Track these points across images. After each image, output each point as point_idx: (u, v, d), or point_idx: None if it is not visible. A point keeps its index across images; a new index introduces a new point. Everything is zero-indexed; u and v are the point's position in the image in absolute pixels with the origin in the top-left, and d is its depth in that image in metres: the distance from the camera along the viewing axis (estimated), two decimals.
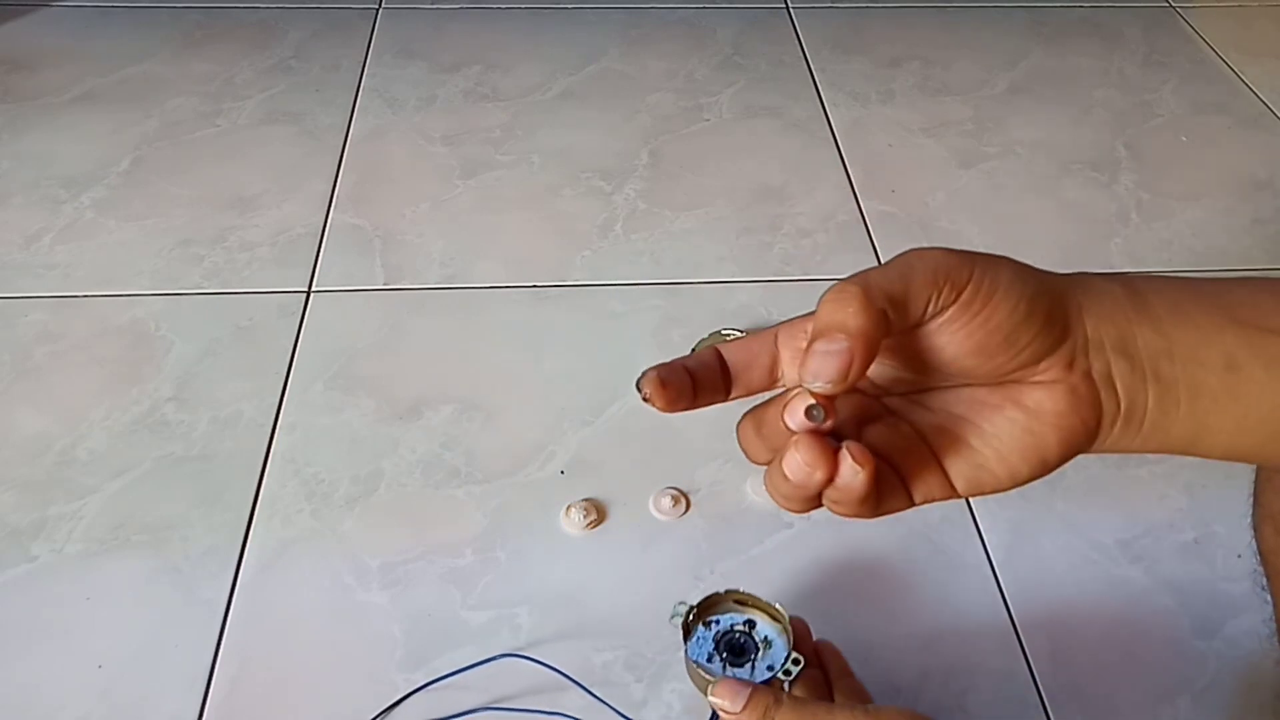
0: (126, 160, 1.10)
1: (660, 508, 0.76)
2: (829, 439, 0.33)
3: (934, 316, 0.33)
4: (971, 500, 0.78)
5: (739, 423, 0.37)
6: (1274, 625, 0.60)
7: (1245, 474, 0.61)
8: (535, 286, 0.96)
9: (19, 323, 0.91)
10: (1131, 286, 0.35)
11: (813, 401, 0.33)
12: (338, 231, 1.02)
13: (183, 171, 1.09)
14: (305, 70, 1.26)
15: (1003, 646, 0.70)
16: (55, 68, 1.24)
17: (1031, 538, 0.76)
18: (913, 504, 0.36)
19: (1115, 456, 0.81)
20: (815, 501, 0.34)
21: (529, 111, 1.20)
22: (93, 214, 1.03)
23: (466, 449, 0.81)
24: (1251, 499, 0.60)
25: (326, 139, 1.14)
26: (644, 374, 0.35)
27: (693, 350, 0.87)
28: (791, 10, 1.42)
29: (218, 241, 1.00)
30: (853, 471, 0.32)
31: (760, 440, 0.36)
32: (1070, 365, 0.34)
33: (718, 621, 0.59)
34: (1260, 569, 0.61)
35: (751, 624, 0.59)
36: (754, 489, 0.78)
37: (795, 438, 0.33)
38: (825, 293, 0.33)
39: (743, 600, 0.60)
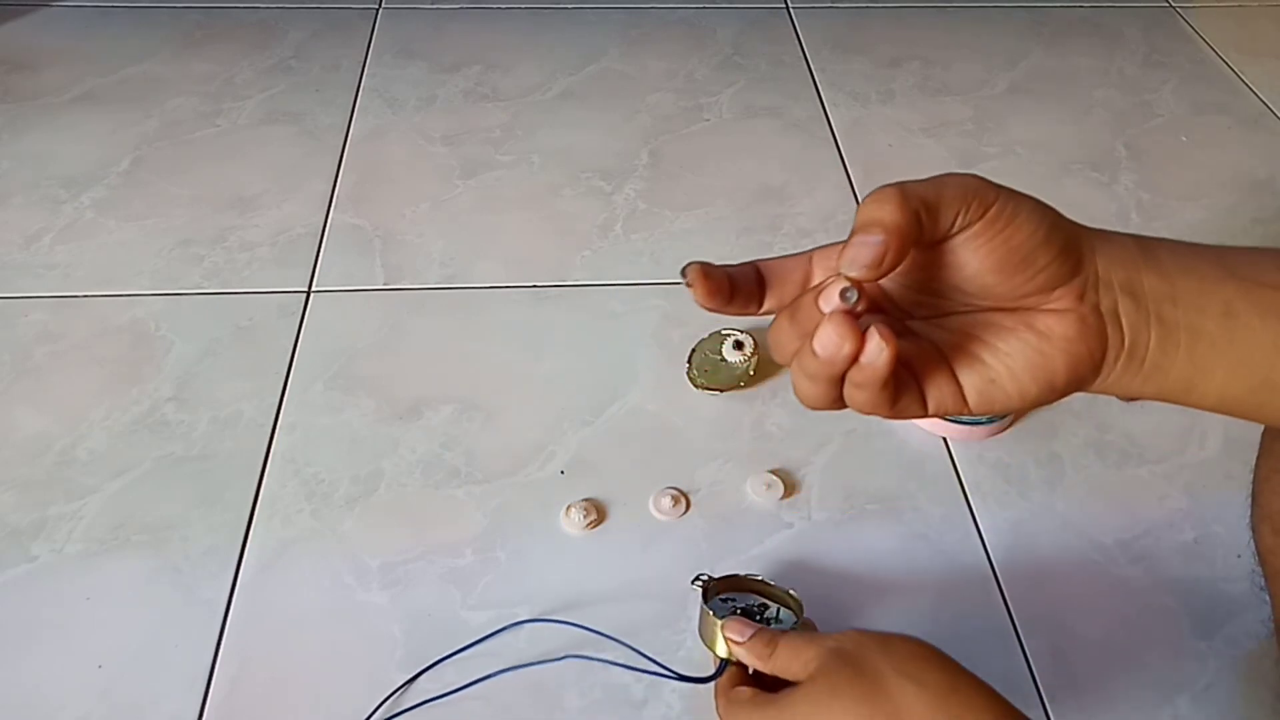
0: (126, 160, 1.10)
1: (660, 508, 0.76)
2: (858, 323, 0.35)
3: (961, 230, 0.36)
4: (971, 500, 0.78)
5: (774, 320, 0.39)
6: (1274, 625, 0.60)
7: (1245, 474, 0.61)
8: (535, 286, 0.97)
9: (19, 323, 0.91)
10: (1141, 240, 0.39)
11: (847, 285, 0.35)
12: (338, 231, 1.02)
13: (183, 171, 1.09)
14: (305, 70, 1.26)
15: (1002, 646, 0.70)
16: (55, 68, 1.24)
17: (1031, 538, 0.76)
18: (926, 411, 0.38)
19: (1115, 455, 0.82)
20: (837, 387, 0.36)
21: (529, 111, 1.20)
22: (93, 214, 1.03)
23: (466, 449, 0.81)
24: (1250, 499, 0.60)
25: (326, 139, 1.14)
26: (689, 263, 0.38)
27: (691, 353, 0.87)
28: (791, 10, 1.42)
29: (218, 241, 1.00)
30: (878, 348, 0.35)
31: (793, 328, 0.38)
32: (1081, 297, 0.37)
33: (735, 599, 0.63)
34: (1259, 569, 0.61)
35: (765, 606, 0.63)
36: (754, 489, 0.78)
37: (828, 315, 0.35)
38: (866, 196, 0.36)
39: (758, 589, 0.64)
